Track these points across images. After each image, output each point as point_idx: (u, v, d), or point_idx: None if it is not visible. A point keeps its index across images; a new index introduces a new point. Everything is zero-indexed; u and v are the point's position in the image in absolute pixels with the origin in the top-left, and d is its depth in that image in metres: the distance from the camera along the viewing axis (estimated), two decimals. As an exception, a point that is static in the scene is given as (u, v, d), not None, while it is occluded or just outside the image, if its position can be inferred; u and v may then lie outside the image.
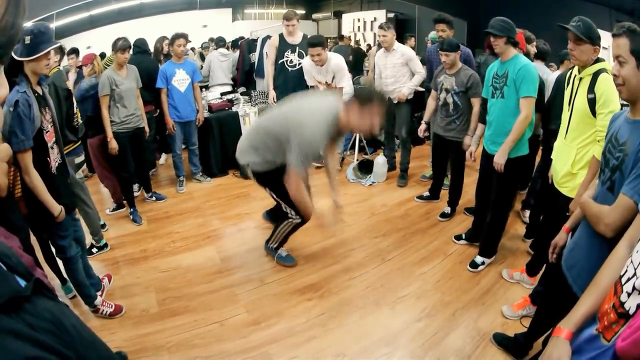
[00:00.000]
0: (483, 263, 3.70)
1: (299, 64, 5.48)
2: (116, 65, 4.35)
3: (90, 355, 0.99)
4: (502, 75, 3.33)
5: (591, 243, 1.79)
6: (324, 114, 2.97)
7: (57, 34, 11.25)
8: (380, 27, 5.21)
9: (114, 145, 4.32)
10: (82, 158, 3.82)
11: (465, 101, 4.23)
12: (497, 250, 3.77)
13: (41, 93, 2.62)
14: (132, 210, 4.69)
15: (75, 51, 6.19)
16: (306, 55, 5.37)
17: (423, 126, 4.82)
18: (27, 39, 2.44)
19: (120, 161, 4.51)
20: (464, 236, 4.09)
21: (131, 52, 4.46)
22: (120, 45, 4.24)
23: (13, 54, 2.41)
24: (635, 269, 1.21)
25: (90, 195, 3.90)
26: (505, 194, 3.55)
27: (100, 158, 4.47)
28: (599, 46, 2.54)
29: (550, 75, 4.11)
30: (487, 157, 3.57)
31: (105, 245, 4.05)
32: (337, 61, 5.11)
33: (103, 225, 4.40)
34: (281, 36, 5.51)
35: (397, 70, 5.22)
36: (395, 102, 5.32)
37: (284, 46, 5.49)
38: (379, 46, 6.08)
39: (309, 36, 5.59)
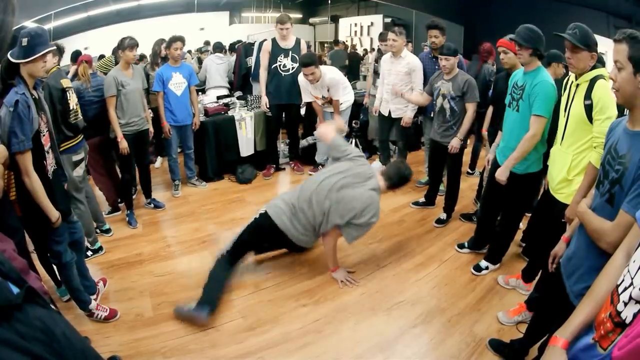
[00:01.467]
0: (487, 268, 3.72)
1: (292, 68, 5.48)
2: (123, 65, 4.36)
3: None
4: (520, 87, 3.20)
5: (589, 251, 1.79)
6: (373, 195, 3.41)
7: (55, 35, 11.23)
8: (392, 31, 5.07)
9: (124, 145, 4.34)
10: (81, 155, 3.79)
11: (462, 107, 4.25)
12: (502, 259, 3.77)
13: (37, 97, 2.61)
14: (129, 212, 4.66)
15: (79, 54, 6.23)
16: (299, 60, 5.38)
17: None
18: (24, 41, 2.44)
19: (123, 163, 4.52)
20: (466, 244, 4.08)
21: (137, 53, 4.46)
22: (128, 43, 4.27)
23: (10, 57, 2.42)
24: (632, 278, 1.21)
25: (85, 195, 3.91)
26: (515, 207, 3.54)
27: (94, 162, 4.45)
28: (596, 52, 2.55)
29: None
30: (496, 167, 3.51)
31: (100, 248, 4.03)
32: (331, 75, 5.14)
33: (108, 230, 4.39)
34: (274, 41, 5.49)
35: (401, 78, 5.12)
36: (395, 116, 5.31)
37: (277, 51, 5.47)
38: (379, 51, 6.07)
39: (302, 40, 5.60)
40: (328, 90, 5.28)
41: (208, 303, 3.15)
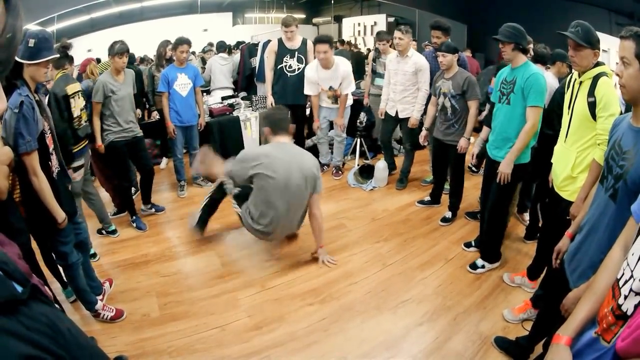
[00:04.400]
0: (483, 266, 3.71)
1: (298, 69, 5.49)
2: (113, 70, 4.24)
3: (84, 359, 1.01)
4: (510, 82, 3.30)
5: (593, 247, 1.80)
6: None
7: (57, 37, 11.27)
8: (399, 29, 5.03)
9: (102, 150, 4.27)
10: (80, 162, 3.78)
11: (463, 104, 4.26)
12: (500, 256, 3.77)
13: (39, 99, 2.62)
14: (134, 218, 4.63)
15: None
16: (305, 60, 5.39)
17: (424, 133, 4.82)
18: (31, 42, 2.45)
19: (119, 170, 4.46)
20: (473, 243, 4.07)
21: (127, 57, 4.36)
22: (117, 49, 4.12)
23: None
24: (631, 271, 1.22)
25: (90, 196, 4.03)
26: (502, 199, 3.54)
27: (100, 163, 4.45)
28: (599, 50, 2.55)
29: (549, 79, 4.12)
30: (489, 162, 3.59)
31: (94, 255, 3.97)
32: (345, 68, 5.18)
33: (114, 231, 4.41)
34: (280, 41, 5.50)
35: (408, 78, 5.09)
36: (403, 117, 5.28)
37: (283, 51, 5.48)
38: (376, 51, 6.04)
39: (308, 40, 5.60)
40: (340, 84, 5.30)
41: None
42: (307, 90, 5.37)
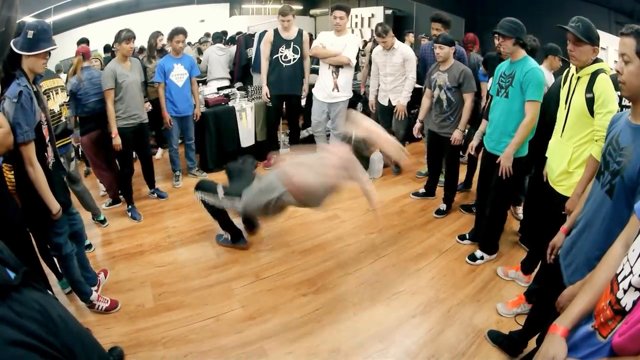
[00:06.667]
0: (482, 258, 3.74)
1: (294, 59, 5.47)
2: (120, 57, 4.32)
3: (75, 344, 1.02)
4: (509, 75, 3.32)
5: (588, 243, 1.80)
6: None
7: (54, 29, 11.17)
8: (378, 34, 5.17)
9: (118, 141, 4.27)
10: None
11: (459, 97, 4.27)
12: (497, 248, 3.79)
13: (36, 90, 2.62)
14: (130, 207, 4.66)
15: (85, 41, 6.26)
16: (301, 51, 5.41)
17: (418, 125, 4.81)
18: (30, 34, 2.46)
19: (122, 157, 4.49)
20: (467, 236, 4.09)
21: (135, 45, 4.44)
22: (124, 36, 4.22)
23: (13, 46, 2.42)
24: (631, 267, 1.22)
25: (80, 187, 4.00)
26: (503, 192, 3.55)
27: (93, 155, 4.43)
28: (598, 46, 2.55)
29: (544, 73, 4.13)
30: (486, 155, 3.61)
31: (89, 246, 3.96)
32: (353, 38, 5.47)
33: (103, 221, 4.41)
34: (276, 31, 5.47)
35: (397, 69, 5.24)
36: (395, 104, 5.33)
37: (278, 41, 5.45)
38: (375, 43, 6.05)
39: (304, 31, 5.58)
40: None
41: None
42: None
